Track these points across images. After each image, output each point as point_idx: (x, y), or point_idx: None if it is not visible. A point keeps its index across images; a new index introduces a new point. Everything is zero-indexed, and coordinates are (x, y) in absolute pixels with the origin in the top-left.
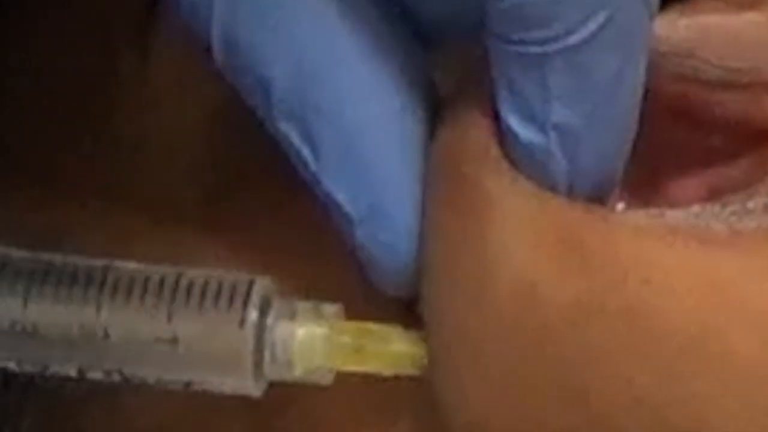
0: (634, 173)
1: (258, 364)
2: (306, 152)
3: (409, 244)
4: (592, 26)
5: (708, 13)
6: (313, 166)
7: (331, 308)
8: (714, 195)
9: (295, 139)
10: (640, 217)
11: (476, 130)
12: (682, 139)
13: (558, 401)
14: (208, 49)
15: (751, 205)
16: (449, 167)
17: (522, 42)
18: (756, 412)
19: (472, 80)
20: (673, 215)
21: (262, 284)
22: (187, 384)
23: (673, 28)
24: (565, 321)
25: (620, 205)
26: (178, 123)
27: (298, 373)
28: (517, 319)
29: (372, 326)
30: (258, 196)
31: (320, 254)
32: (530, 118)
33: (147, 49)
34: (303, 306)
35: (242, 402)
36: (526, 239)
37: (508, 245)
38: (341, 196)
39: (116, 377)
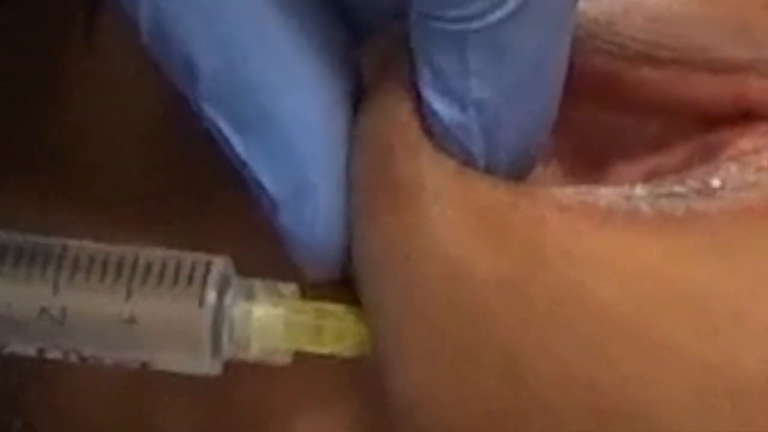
0: (570, 153)
1: (216, 344)
2: (232, 135)
3: (331, 227)
4: (511, 4)
5: None
6: (239, 149)
7: (288, 288)
8: (649, 180)
9: (223, 124)
10: (570, 195)
11: (398, 111)
12: (618, 122)
13: (495, 378)
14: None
15: (679, 189)
16: (373, 149)
17: (442, 19)
18: (691, 396)
19: (394, 62)
20: (604, 194)
21: (221, 264)
22: (145, 364)
23: (597, 5)
24: (494, 298)
25: (551, 183)
26: (125, 116)
27: (255, 352)
28: (449, 297)
29: (330, 306)
30: (210, 184)
31: (277, 235)
32: (450, 95)
33: (93, 43)
34: (261, 286)
35: (196, 381)
36: (451, 218)
37: (435, 224)
38: (266, 180)
39: (73, 357)
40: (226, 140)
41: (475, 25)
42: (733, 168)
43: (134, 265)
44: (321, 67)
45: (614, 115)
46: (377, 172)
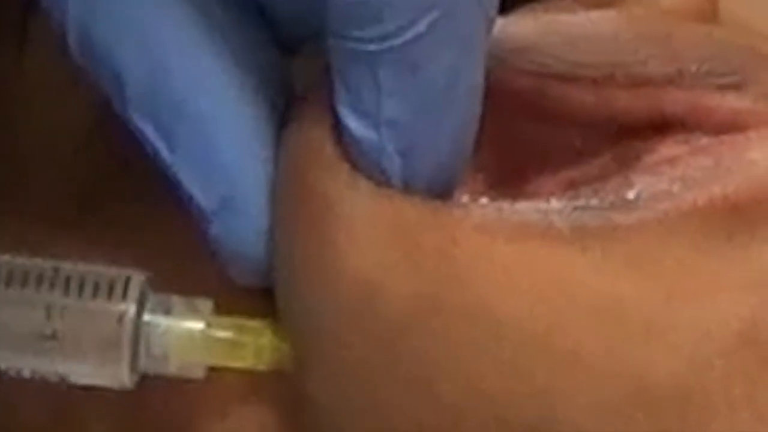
0: (496, 167)
1: (134, 358)
2: (161, 147)
3: (260, 236)
4: (421, 26)
5: (556, 11)
6: (168, 160)
7: (205, 304)
8: (566, 192)
9: (150, 134)
10: (488, 211)
11: (316, 130)
12: (542, 135)
13: (409, 396)
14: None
15: (594, 202)
16: (292, 168)
17: (355, 39)
18: (604, 407)
19: (317, 81)
20: (520, 209)
21: (139, 280)
22: (63, 377)
23: (521, 26)
24: (409, 317)
25: (465, 198)
26: (55, 120)
27: (172, 367)
28: (364, 315)
29: (246, 322)
30: (135, 195)
31: (193, 251)
32: (363, 114)
33: (23, 45)
34: (178, 301)
35: (113, 394)
36: (365, 238)
37: (349, 244)
38: (195, 190)
39: None
40: (156, 151)
41: (387, 44)
42: (648, 179)
43: (54, 278)
44: (248, 82)
45: (538, 129)
46: (296, 188)
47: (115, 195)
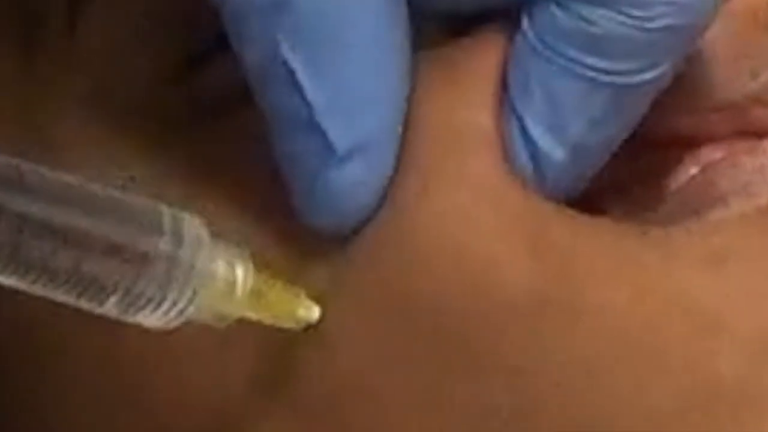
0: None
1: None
2: (308, 79)
3: (373, 190)
4: (660, 70)
5: None
6: (312, 94)
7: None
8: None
9: (300, 65)
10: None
11: (478, 112)
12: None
13: (502, 384)
14: None
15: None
16: (439, 136)
17: (594, 68)
18: (661, 407)
19: (475, 62)
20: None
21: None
22: None
23: None
24: (521, 305)
25: None
26: None
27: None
28: (476, 292)
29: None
30: None
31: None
32: (558, 134)
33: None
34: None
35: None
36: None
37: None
38: (331, 127)
39: None
40: (296, 84)
41: (624, 80)
42: (730, 171)
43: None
44: (402, 35)
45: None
46: (432, 157)
47: None
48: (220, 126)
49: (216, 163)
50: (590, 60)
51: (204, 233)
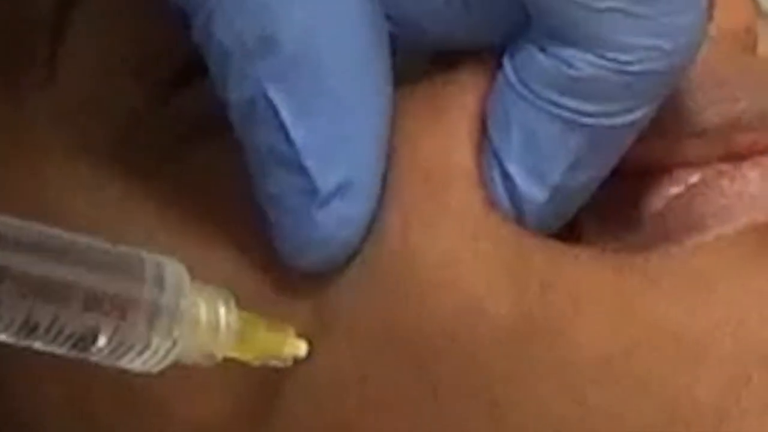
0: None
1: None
2: (291, 119)
3: (358, 229)
4: (639, 113)
5: None
6: (295, 133)
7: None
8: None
9: (284, 104)
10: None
11: (459, 148)
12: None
13: (480, 415)
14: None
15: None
16: (423, 181)
17: (574, 111)
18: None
19: (453, 96)
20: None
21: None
22: None
23: None
24: (504, 337)
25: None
26: None
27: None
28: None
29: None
30: None
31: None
32: (538, 175)
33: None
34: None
35: None
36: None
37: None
38: (314, 168)
39: None
40: (280, 124)
41: (605, 122)
42: (709, 193)
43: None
44: (385, 75)
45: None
46: (418, 185)
47: None
48: (201, 156)
49: (197, 196)
50: (569, 102)
51: (185, 277)
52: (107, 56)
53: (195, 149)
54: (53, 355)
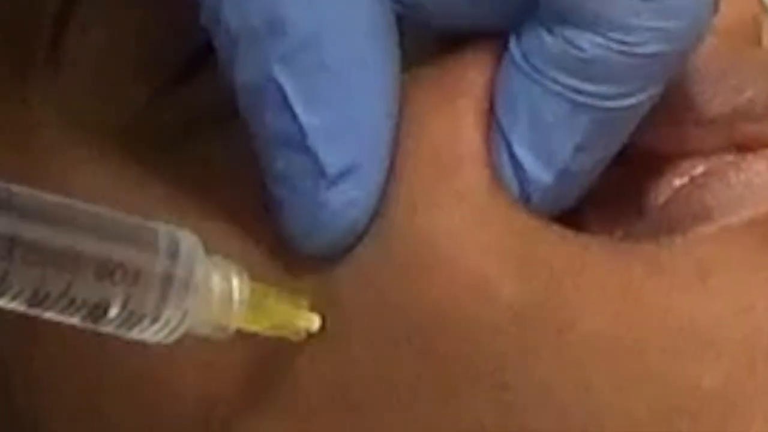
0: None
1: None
2: (300, 104)
3: (364, 212)
4: (642, 95)
5: None
6: (304, 117)
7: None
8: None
9: (292, 90)
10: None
11: (468, 131)
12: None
13: (480, 394)
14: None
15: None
16: (431, 163)
17: (581, 92)
18: (651, 417)
19: (460, 82)
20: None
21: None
22: None
23: None
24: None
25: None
26: None
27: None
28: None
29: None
30: None
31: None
32: (545, 157)
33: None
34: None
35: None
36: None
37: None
38: (322, 152)
39: None
40: (288, 107)
41: (611, 104)
42: (717, 184)
43: None
44: (393, 57)
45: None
46: (426, 173)
47: None
48: (208, 145)
49: (205, 183)
50: (576, 83)
51: (199, 249)
52: (112, 50)
53: (201, 139)
54: (62, 347)
